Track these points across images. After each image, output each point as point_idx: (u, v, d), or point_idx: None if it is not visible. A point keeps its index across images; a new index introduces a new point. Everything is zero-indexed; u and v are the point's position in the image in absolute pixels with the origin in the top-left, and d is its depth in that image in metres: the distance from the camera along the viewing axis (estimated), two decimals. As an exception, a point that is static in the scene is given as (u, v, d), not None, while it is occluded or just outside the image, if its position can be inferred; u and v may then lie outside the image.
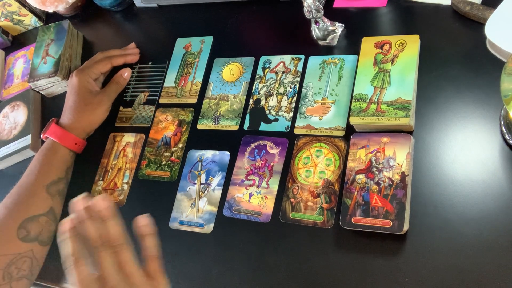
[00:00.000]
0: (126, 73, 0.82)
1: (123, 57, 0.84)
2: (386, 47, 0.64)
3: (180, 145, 0.74)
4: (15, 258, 0.64)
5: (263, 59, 0.76)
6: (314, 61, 0.72)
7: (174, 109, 0.78)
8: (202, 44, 0.82)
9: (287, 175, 0.64)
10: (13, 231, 0.65)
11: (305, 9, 0.67)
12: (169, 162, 0.73)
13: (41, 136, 0.76)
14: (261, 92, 0.73)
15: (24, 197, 0.69)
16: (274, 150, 0.67)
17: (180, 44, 0.85)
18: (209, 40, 0.82)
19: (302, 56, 0.73)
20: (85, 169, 0.78)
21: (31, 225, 0.67)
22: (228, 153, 0.70)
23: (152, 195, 0.72)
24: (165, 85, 0.81)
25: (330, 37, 0.71)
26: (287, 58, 0.74)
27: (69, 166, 0.76)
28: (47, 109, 0.90)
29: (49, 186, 0.70)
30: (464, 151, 0.57)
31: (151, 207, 0.70)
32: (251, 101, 0.73)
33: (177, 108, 0.78)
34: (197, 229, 0.66)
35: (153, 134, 0.77)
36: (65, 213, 0.74)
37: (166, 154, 0.74)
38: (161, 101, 0.80)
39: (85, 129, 0.77)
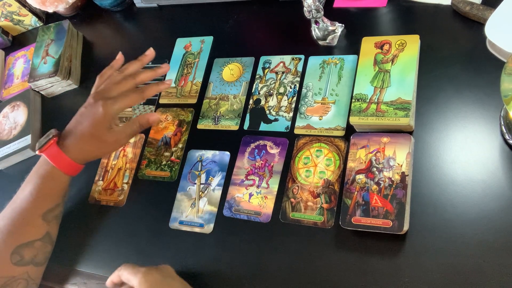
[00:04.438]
0: (153, 118, 0.71)
1: (156, 87, 0.71)
2: (386, 47, 0.64)
3: (180, 145, 0.74)
4: (9, 280, 0.62)
5: (263, 59, 0.76)
6: (314, 61, 0.72)
7: (174, 109, 0.78)
8: (202, 44, 0.82)
9: (287, 175, 0.64)
10: (6, 257, 0.62)
11: (305, 9, 0.67)
12: (169, 162, 0.73)
13: (37, 151, 0.67)
14: (261, 92, 0.73)
15: (19, 224, 0.64)
16: (274, 150, 0.67)
17: (180, 44, 0.85)
18: (209, 40, 0.82)
19: (302, 56, 0.73)
20: (85, 169, 0.78)
21: (25, 251, 0.64)
22: (228, 153, 0.70)
23: (152, 194, 0.72)
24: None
25: (330, 37, 0.71)
26: (287, 58, 0.74)
27: (67, 190, 0.70)
28: (47, 109, 0.90)
29: (45, 214, 0.66)
30: (464, 151, 0.57)
31: (151, 207, 0.70)
32: (251, 101, 0.73)
33: (177, 108, 0.78)
34: (197, 229, 0.66)
35: (153, 134, 0.77)
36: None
37: (166, 154, 0.74)
38: (161, 101, 0.80)
39: (88, 159, 0.69)
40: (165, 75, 0.82)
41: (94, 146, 0.67)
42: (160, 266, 0.59)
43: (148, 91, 0.70)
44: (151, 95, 0.72)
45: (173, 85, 0.80)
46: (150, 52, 0.74)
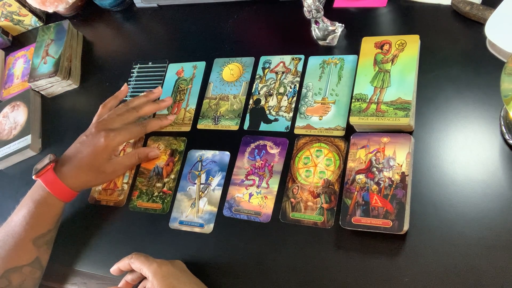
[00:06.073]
0: (153, 153, 0.73)
1: (159, 122, 0.74)
2: (386, 47, 0.64)
3: (172, 176, 0.71)
4: None
5: (263, 59, 0.76)
6: (314, 61, 0.72)
7: (166, 137, 0.75)
8: (194, 70, 0.80)
9: (287, 175, 0.64)
10: None
11: (305, 9, 0.67)
12: (161, 194, 0.71)
13: (33, 176, 0.66)
14: (261, 92, 0.73)
15: (9, 248, 0.63)
16: (274, 150, 0.67)
17: (172, 69, 0.83)
18: (201, 65, 0.80)
19: (302, 56, 0.73)
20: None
21: (13, 276, 0.63)
22: (228, 153, 0.70)
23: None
24: (157, 112, 0.79)
25: (330, 37, 0.71)
26: (287, 58, 0.74)
27: (60, 216, 0.69)
28: (47, 109, 0.90)
29: (36, 239, 0.65)
30: (464, 151, 0.57)
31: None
32: (251, 101, 0.73)
33: (169, 137, 0.75)
34: (197, 229, 0.66)
35: (145, 164, 0.74)
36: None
37: (158, 185, 0.72)
38: None
39: (84, 187, 0.69)
40: (158, 100, 0.78)
41: (92, 175, 0.68)
42: (173, 260, 0.60)
43: (151, 126, 0.73)
44: (153, 130, 0.74)
45: (166, 112, 0.78)
46: (158, 91, 0.77)
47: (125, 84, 0.79)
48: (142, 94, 0.76)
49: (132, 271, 0.61)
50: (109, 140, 0.67)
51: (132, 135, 0.70)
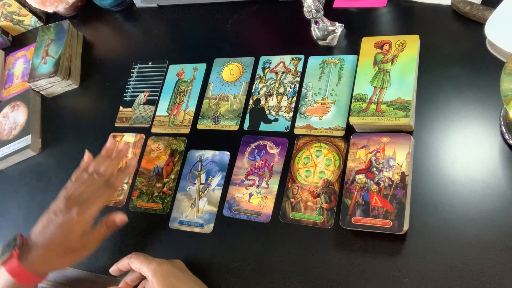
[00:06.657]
0: (119, 219, 0.65)
1: (124, 173, 0.68)
2: (386, 47, 0.64)
3: (172, 176, 0.71)
4: None
5: (263, 59, 0.76)
6: (314, 61, 0.72)
7: (166, 137, 0.76)
8: (195, 72, 0.80)
9: (287, 175, 0.64)
10: None
11: (305, 9, 0.67)
12: (161, 194, 0.71)
13: None
14: (261, 92, 0.73)
15: None
16: (274, 150, 0.67)
17: (173, 71, 0.83)
18: (202, 67, 0.80)
19: (302, 56, 0.73)
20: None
21: None
22: (228, 153, 0.70)
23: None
24: (157, 113, 0.79)
25: (330, 37, 0.71)
26: (287, 58, 0.74)
27: None
28: (47, 109, 0.90)
29: None
30: (464, 151, 0.57)
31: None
32: (251, 101, 0.73)
33: (169, 136, 0.75)
34: (197, 229, 0.66)
35: (145, 164, 0.74)
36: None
37: (158, 185, 0.72)
38: (153, 130, 0.77)
39: (52, 271, 0.63)
40: (158, 101, 0.80)
41: (64, 258, 0.61)
42: (172, 260, 0.60)
43: (118, 181, 0.67)
44: (122, 183, 0.70)
45: (165, 114, 0.78)
46: (110, 142, 0.70)
47: (86, 151, 0.70)
48: (98, 156, 0.69)
49: (131, 271, 0.61)
50: (82, 215, 0.61)
51: (103, 200, 0.64)
